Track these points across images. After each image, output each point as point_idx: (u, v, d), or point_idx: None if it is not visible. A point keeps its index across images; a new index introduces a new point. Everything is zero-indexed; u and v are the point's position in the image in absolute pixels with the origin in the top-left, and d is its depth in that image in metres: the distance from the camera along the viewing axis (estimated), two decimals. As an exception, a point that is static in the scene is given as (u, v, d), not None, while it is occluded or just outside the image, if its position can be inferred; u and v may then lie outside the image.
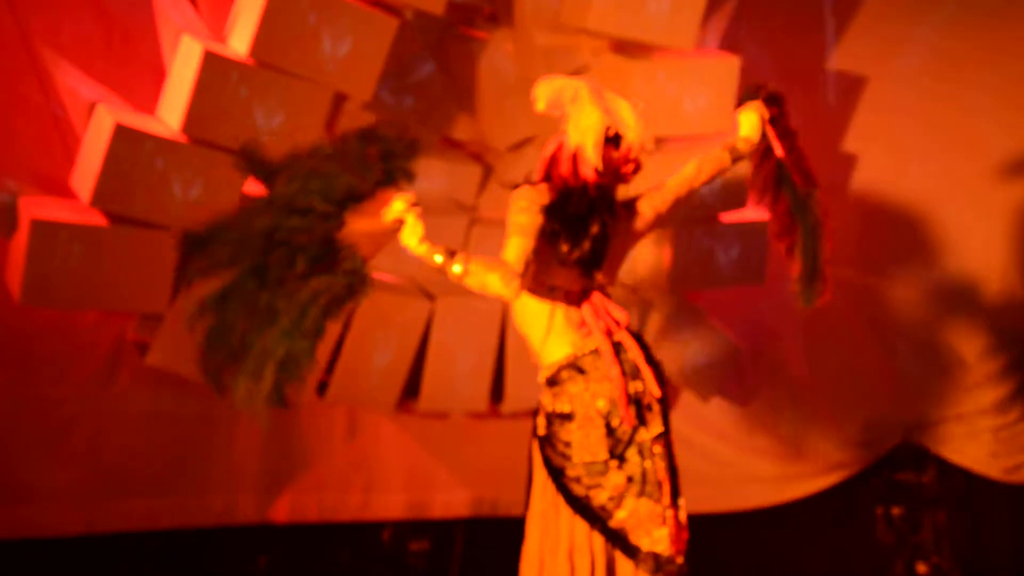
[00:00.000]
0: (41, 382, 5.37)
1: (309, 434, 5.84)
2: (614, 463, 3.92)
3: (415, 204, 3.68)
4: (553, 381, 3.95)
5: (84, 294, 5.20)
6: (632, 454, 3.93)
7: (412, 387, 5.78)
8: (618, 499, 3.91)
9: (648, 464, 3.93)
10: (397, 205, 3.66)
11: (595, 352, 3.93)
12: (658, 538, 3.93)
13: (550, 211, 3.90)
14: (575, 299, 3.97)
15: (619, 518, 3.93)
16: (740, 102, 4.37)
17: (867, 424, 6.35)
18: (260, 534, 5.82)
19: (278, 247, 3.58)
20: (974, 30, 6.23)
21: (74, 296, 5.20)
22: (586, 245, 3.92)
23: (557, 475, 3.93)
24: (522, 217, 3.85)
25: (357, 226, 3.62)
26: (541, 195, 3.93)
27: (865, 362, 6.37)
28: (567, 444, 3.91)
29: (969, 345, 6.33)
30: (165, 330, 5.34)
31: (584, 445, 3.90)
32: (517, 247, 3.78)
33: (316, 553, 5.93)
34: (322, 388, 5.68)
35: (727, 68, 5.82)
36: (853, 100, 6.29)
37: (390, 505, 5.97)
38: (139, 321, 5.41)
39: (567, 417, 3.92)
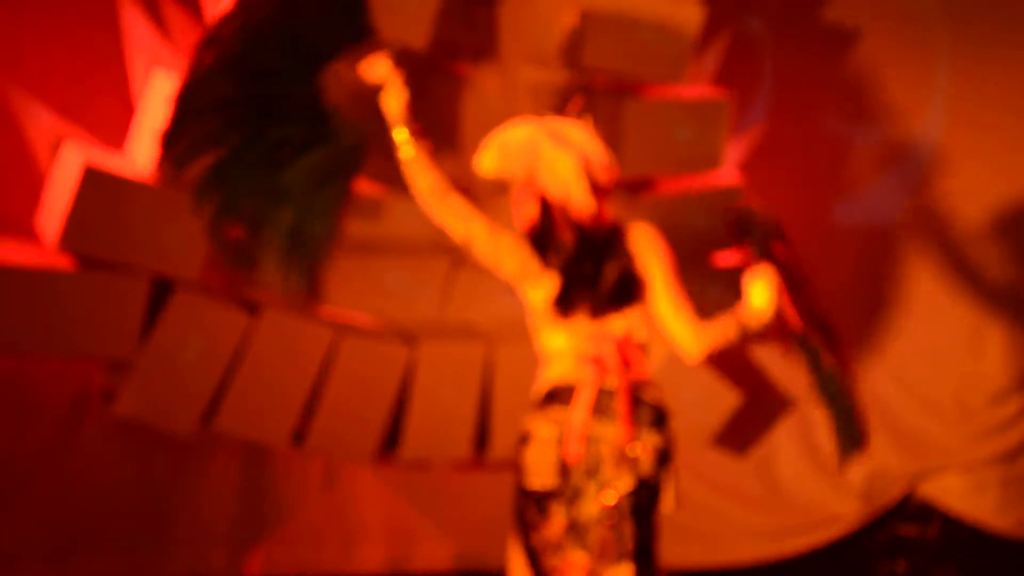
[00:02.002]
0: (-1, 435, 5.30)
1: (284, 485, 5.73)
2: (561, 506, 3.80)
3: (397, 65, 3.65)
4: (533, 405, 3.89)
5: (48, 340, 5.13)
6: (580, 504, 3.81)
7: (392, 436, 5.65)
8: (554, 546, 3.80)
9: (592, 519, 3.80)
10: (381, 66, 3.63)
11: (574, 385, 3.83)
12: None
13: (565, 272, 3.83)
14: (594, 338, 3.87)
15: (550, 566, 3.82)
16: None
17: (868, 475, 6.21)
18: (232, 591, 5.75)
19: (262, 116, 3.53)
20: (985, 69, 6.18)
21: (37, 343, 5.13)
22: (605, 288, 3.83)
23: (516, 501, 3.86)
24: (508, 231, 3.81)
25: (340, 89, 3.62)
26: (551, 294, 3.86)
27: (865, 409, 6.19)
28: (522, 468, 3.84)
29: (976, 390, 6.20)
30: (133, 377, 5.24)
31: (536, 470, 3.81)
32: (481, 215, 3.76)
33: (291, 609, 5.92)
34: (298, 437, 5.55)
35: (719, 105, 5.74)
36: (859, 133, 6.20)
37: (369, 559, 5.85)
38: (105, 367, 5.31)
39: (524, 439, 3.84)
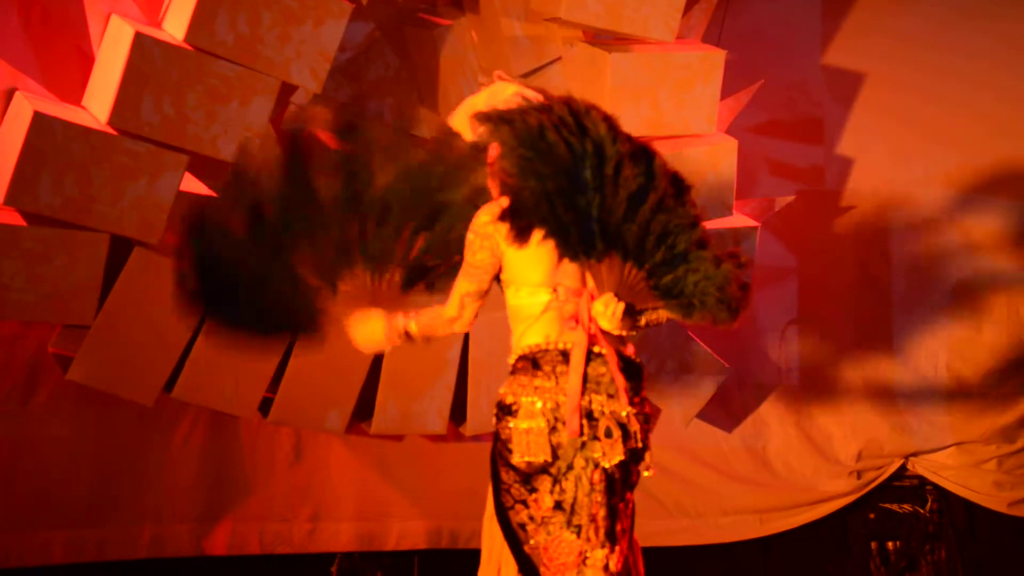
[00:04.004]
0: (-51, 401, 5.22)
1: (250, 457, 5.67)
2: (547, 483, 3.72)
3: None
4: (512, 370, 3.82)
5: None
6: (569, 479, 3.74)
7: (365, 406, 5.52)
8: (540, 523, 3.73)
9: (581, 495, 3.72)
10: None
11: (564, 352, 3.74)
12: None
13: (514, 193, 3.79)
14: (575, 295, 3.81)
15: (535, 543, 3.74)
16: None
17: (861, 452, 6.17)
18: (195, 568, 5.62)
19: None
20: (971, 26, 6.16)
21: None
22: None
23: (494, 475, 3.79)
24: (468, 255, 3.82)
25: None
26: (495, 214, 3.80)
27: (859, 385, 6.21)
28: (507, 441, 3.76)
29: (973, 367, 6.15)
30: (89, 341, 5.07)
31: (524, 445, 3.74)
32: (457, 290, 3.85)
33: (258, 588, 5.80)
34: (265, 407, 5.41)
35: (711, 63, 5.60)
36: (849, 99, 6.14)
37: (339, 536, 5.78)
38: (60, 332, 5.15)
39: (508, 410, 3.76)
